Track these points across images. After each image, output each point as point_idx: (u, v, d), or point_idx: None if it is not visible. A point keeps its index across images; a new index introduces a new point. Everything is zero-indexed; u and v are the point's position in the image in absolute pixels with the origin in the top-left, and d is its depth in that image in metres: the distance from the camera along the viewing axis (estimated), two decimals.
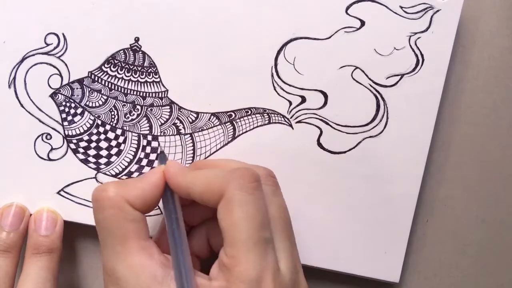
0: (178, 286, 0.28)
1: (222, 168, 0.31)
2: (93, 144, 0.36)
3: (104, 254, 0.30)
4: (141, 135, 0.37)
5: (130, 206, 0.30)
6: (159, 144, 0.36)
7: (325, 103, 0.37)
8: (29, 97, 0.36)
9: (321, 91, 0.37)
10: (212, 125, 0.37)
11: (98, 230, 0.30)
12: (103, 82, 0.36)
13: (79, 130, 0.36)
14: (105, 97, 0.36)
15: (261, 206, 0.29)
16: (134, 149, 0.37)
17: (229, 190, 0.28)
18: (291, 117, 0.37)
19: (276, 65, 0.36)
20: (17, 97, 0.36)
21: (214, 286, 0.28)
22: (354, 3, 0.36)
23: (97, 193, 0.30)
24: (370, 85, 0.37)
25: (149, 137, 0.37)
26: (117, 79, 0.36)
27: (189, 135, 0.37)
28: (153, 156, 0.37)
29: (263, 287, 0.27)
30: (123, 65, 0.36)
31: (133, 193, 0.30)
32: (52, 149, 0.36)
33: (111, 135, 0.36)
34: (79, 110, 0.36)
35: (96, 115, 0.36)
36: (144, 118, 0.36)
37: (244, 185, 0.29)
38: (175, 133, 0.37)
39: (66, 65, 0.36)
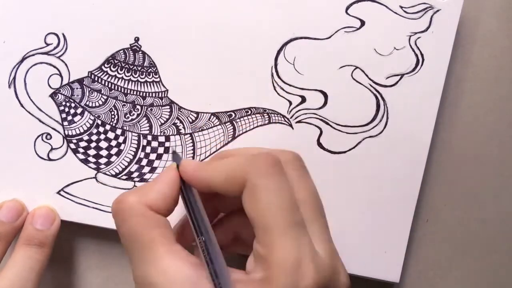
0: (215, 286, 0.27)
1: (241, 156, 0.30)
2: (93, 144, 0.36)
3: (134, 264, 0.29)
4: (141, 135, 0.37)
5: (152, 211, 0.29)
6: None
7: (325, 103, 0.37)
8: (29, 97, 0.36)
9: (321, 91, 0.37)
10: (212, 125, 0.37)
11: (124, 242, 0.29)
12: (103, 82, 0.36)
13: (79, 130, 0.36)
14: (105, 97, 0.36)
15: (287, 190, 0.28)
16: (134, 149, 0.37)
17: (251, 177, 0.28)
18: (291, 117, 0.37)
19: (276, 65, 0.36)
20: (17, 97, 0.36)
21: (253, 278, 0.27)
22: (354, 3, 0.36)
23: (116, 206, 0.30)
24: (370, 85, 0.37)
25: (149, 137, 0.37)
26: (117, 79, 0.36)
27: (189, 135, 0.37)
28: (153, 156, 0.37)
29: (303, 271, 0.26)
30: (123, 65, 0.36)
31: (152, 196, 0.30)
32: (52, 149, 0.36)
33: (111, 135, 0.36)
34: (79, 110, 0.36)
35: (96, 115, 0.36)
36: (144, 118, 0.36)
37: (266, 170, 0.28)
38: (175, 133, 0.37)
39: (66, 65, 0.36)
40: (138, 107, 0.36)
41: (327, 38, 0.36)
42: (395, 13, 0.36)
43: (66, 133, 0.36)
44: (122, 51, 0.36)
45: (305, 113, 0.37)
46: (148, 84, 0.36)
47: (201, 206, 0.30)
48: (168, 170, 0.31)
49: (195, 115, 0.37)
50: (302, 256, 0.26)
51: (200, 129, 0.37)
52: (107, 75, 0.36)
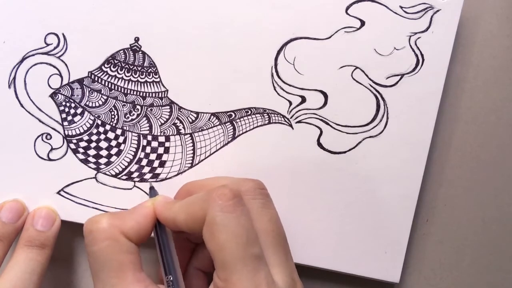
0: None
1: (201, 193, 0.30)
2: (93, 144, 0.36)
3: (98, 287, 0.29)
4: (141, 135, 0.37)
5: (125, 237, 0.30)
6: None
7: (325, 103, 0.37)
8: (29, 97, 0.36)
9: (321, 91, 0.37)
10: (212, 125, 0.37)
11: (91, 263, 0.30)
12: (103, 82, 0.36)
13: (79, 130, 0.36)
14: (105, 97, 0.36)
15: (245, 222, 0.28)
16: (134, 149, 0.37)
17: (209, 213, 0.28)
18: (291, 117, 0.37)
19: (276, 65, 0.36)
20: (17, 97, 0.36)
21: None
22: (354, 3, 0.36)
23: (90, 225, 0.30)
24: (370, 85, 0.37)
25: (149, 137, 0.37)
26: (117, 79, 0.36)
27: (189, 135, 0.37)
28: (153, 156, 0.37)
29: None
30: (123, 65, 0.36)
31: (127, 224, 0.30)
32: (52, 149, 0.36)
33: (111, 135, 0.36)
34: (79, 110, 0.36)
35: (96, 115, 0.36)
36: (144, 118, 0.36)
37: (223, 204, 0.28)
38: (175, 133, 0.37)
39: (66, 65, 0.36)
40: (138, 107, 0.36)
41: (327, 38, 0.36)
42: (395, 13, 0.36)
43: (66, 133, 0.36)
44: (122, 51, 0.36)
45: (305, 113, 0.37)
46: (148, 84, 0.36)
47: (172, 245, 0.31)
48: (145, 204, 0.32)
49: (195, 115, 0.37)
50: None
51: (200, 129, 0.37)
52: (107, 75, 0.36)
